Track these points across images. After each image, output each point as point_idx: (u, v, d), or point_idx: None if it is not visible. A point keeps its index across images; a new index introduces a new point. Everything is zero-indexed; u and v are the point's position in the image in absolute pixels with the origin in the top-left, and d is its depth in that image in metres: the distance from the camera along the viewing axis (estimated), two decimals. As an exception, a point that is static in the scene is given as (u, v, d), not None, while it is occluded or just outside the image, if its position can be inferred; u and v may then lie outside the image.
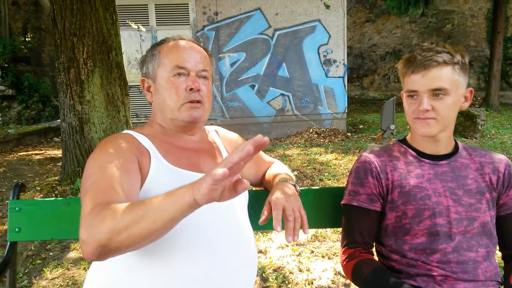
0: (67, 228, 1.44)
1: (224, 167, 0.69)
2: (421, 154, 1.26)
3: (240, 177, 0.77)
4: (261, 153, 1.45)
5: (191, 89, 1.13)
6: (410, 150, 1.28)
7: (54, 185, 4.55)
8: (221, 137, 1.34)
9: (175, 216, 0.80)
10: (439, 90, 1.15)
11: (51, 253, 3.03)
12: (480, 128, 6.84)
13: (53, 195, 4.23)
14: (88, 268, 2.74)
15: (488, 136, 7.04)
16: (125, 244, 0.82)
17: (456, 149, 1.28)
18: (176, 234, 1.01)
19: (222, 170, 0.69)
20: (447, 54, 1.15)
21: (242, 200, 1.21)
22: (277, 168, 1.38)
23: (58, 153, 6.74)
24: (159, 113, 1.19)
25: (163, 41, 1.21)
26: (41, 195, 4.27)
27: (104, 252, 0.83)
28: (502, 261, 1.29)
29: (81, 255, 2.97)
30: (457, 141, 1.30)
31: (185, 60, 1.14)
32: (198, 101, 1.14)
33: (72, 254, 2.99)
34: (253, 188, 1.42)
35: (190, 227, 1.03)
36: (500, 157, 1.27)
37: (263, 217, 1.07)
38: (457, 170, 1.23)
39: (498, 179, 1.23)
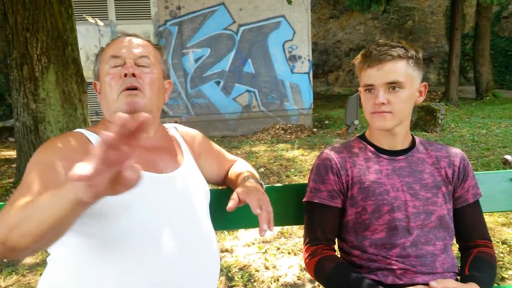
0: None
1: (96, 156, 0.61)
2: (379, 150, 1.27)
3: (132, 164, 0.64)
4: (223, 151, 1.42)
5: (125, 75, 1.06)
6: (368, 146, 1.29)
7: (8, 187, 4.33)
8: (180, 133, 1.29)
9: (61, 216, 0.73)
10: (394, 83, 1.16)
11: (5, 260, 2.87)
12: (440, 122, 7.07)
13: (7, 198, 4.02)
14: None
15: (448, 129, 7.30)
16: (22, 243, 0.77)
17: (413, 144, 1.30)
18: (126, 234, 0.97)
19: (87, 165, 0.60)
20: (402, 49, 1.17)
21: (202, 199, 1.17)
22: (240, 167, 1.36)
23: (13, 154, 6.42)
24: (105, 110, 1.13)
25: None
26: (-5, 199, 4.05)
27: (6, 250, 0.79)
28: (459, 252, 1.31)
29: (37, 260, 2.83)
30: (414, 136, 1.32)
31: (119, 49, 1.10)
32: (136, 88, 1.07)
33: (28, 260, 2.84)
34: (215, 187, 1.38)
35: (140, 226, 0.98)
36: (456, 151, 1.30)
37: (232, 203, 1.04)
38: (414, 165, 1.25)
39: (454, 173, 1.26)
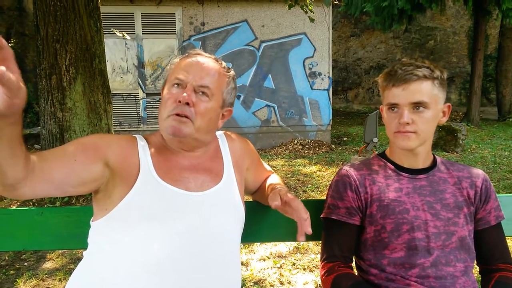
0: (40, 239, 1.40)
1: None
2: (399, 168, 1.27)
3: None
4: (262, 161, 1.42)
5: (179, 102, 1.08)
6: (389, 164, 1.29)
7: (32, 193, 4.42)
8: (229, 145, 1.28)
9: None
10: (420, 103, 1.16)
11: (25, 263, 2.94)
12: (461, 142, 6.96)
13: (31, 203, 4.13)
14: (64, 279, 2.66)
15: (469, 150, 7.17)
16: None
17: (434, 163, 1.28)
18: (142, 245, 1.01)
19: None
20: (427, 69, 1.17)
21: (231, 220, 1.16)
22: (275, 180, 1.37)
23: (37, 160, 6.58)
24: (159, 122, 1.16)
25: (183, 55, 1.20)
26: (18, 204, 4.16)
27: None
28: (480, 275, 1.29)
29: (57, 265, 2.89)
30: (435, 156, 1.31)
31: (185, 72, 1.11)
32: (186, 116, 1.08)
33: (48, 265, 2.90)
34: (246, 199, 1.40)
35: (155, 239, 1.02)
36: (478, 172, 1.29)
37: (276, 202, 1.06)
38: (435, 184, 1.24)
39: (476, 194, 1.24)
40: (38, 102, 4.63)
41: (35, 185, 0.91)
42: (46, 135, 4.25)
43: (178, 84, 1.11)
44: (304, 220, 1.04)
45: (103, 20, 4.54)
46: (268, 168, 1.44)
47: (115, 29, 5.48)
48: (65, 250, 3.08)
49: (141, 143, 1.13)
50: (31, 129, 9.03)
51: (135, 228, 1.01)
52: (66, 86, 4.11)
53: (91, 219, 1.11)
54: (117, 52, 7.71)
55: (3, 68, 0.64)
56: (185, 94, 1.07)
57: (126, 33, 5.51)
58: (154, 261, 0.99)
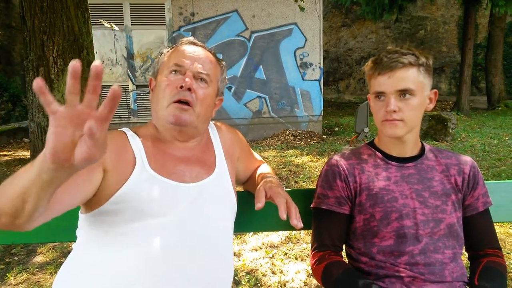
0: (29, 232, 1.38)
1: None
2: (388, 157, 1.27)
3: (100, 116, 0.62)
4: (252, 151, 1.42)
5: (181, 87, 1.07)
6: (377, 153, 1.29)
7: (21, 187, 4.38)
8: (220, 136, 1.28)
9: (25, 185, 0.72)
10: (406, 91, 1.16)
11: (15, 258, 2.92)
12: (451, 131, 7.02)
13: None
14: (55, 272, 2.65)
15: (459, 139, 7.24)
16: (6, 210, 0.76)
17: (422, 151, 1.29)
18: (137, 236, 1.00)
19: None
20: (412, 56, 1.17)
21: (225, 210, 1.16)
22: (265, 169, 1.36)
23: (27, 154, 6.52)
24: (153, 112, 1.15)
25: (174, 45, 1.19)
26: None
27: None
28: (469, 261, 1.31)
29: (47, 259, 2.87)
30: (424, 143, 1.32)
31: (184, 59, 1.11)
32: (188, 103, 1.08)
33: (38, 259, 2.88)
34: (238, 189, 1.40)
35: (152, 232, 1.00)
36: (466, 159, 1.29)
37: (259, 204, 1.04)
38: (423, 172, 1.24)
39: (463, 181, 1.25)
40: (26, 95, 4.57)
41: (46, 216, 0.87)
42: (35, 128, 4.21)
43: (176, 71, 1.10)
44: (284, 217, 1.02)
45: (91, 11, 4.47)
46: (259, 158, 1.44)
47: (103, 20, 5.40)
48: (55, 244, 3.06)
49: (132, 137, 1.10)
50: (20, 122, 8.93)
51: (129, 221, 1.00)
52: (54, 78, 4.05)
53: (80, 211, 1.09)
54: (105, 43, 7.61)
55: (94, 127, 0.59)
56: (187, 79, 1.07)
57: (115, 24, 5.45)
58: (150, 254, 0.99)
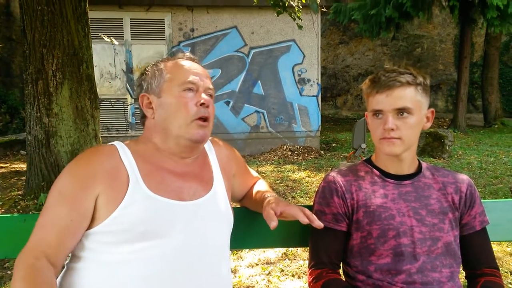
0: (22, 246, 1.37)
1: None
2: (385, 174, 1.27)
3: None
4: (248, 168, 1.41)
5: (201, 104, 1.10)
6: (375, 170, 1.29)
7: (17, 199, 4.36)
8: (216, 152, 1.27)
9: None
10: (403, 109, 1.17)
11: (9, 272, 2.87)
12: (447, 148, 7.04)
13: (15, 210, 4.05)
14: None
15: (456, 156, 7.26)
16: None
17: (419, 169, 1.29)
18: (136, 259, 0.99)
19: None
20: (410, 75, 1.18)
21: (224, 227, 1.17)
22: (263, 186, 1.36)
23: (23, 166, 6.49)
24: (160, 131, 1.13)
25: (165, 59, 1.19)
26: (2, 210, 4.08)
27: None
28: (466, 280, 1.30)
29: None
30: (421, 161, 1.32)
31: (194, 76, 1.12)
32: (206, 119, 1.11)
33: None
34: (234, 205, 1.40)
35: (151, 252, 1.00)
36: (463, 177, 1.30)
37: (274, 223, 1.06)
38: (420, 190, 1.24)
39: (461, 199, 1.25)
40: (24, 108, 4.57)
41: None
42: (32, 140, 4.20)
43: (190, 90, 1.12)
44: (308, 219, 1.07)
45: (91, 25, 4.52)
46: (255, 174, 1.44)
47: (103, 34, 5.45)
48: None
49: (124, 153, 1.08)
50: (17, 135, 8.90)
51: (123, 243, 0.99)
52: (53, 91, 4.06)
53: None
54: (105, 57, 7.67)
55: None
56: (205, 96, 1.12)
57: (115, 39, 5.49)
58: (147, 274, 0.98)
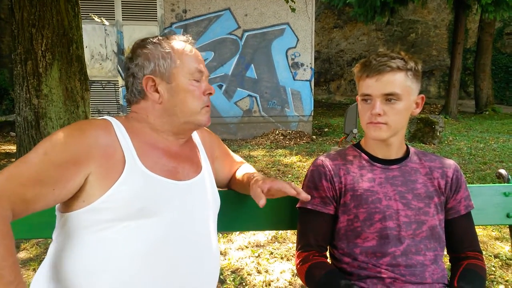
0: (12, 228, 1.36)
1: None
2: (373, 159, 1.28)
3: None
4: (232, 153, 1.44)
5: (209, 94, 1.16)
6: (363, 154, 1.30)
7: (6, 182, 4.33)
8: (200, 136, 1.31)
9: None
10: (392, 95, 1.17)
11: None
12: (438, 134, 7.10)
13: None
14: (38, 268, 2.62)
15: (446, 142, 7.33)
16: None
17: (407, 154, 1.31)
18: (137, 237, 1.00)
19: None
20: (401, 60, 1.18)
21: (213, 206, 1.20)
22: (249, 169, 1.40)
23: (13, 148, 6.44)
24: (164, 115, 1.12)
25: (164, 38, 1.14)
26: (-8, 192, 4.06)
27: None
28: (450, 263, 1.33)
29: (31, 255, 2.84)
30: (409, 146, 1.34)
31: (201, 65, 1.15)
32: (208, 106, 1.18)
33: (22, 255, 2.85)
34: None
35: (152, 230, 1.01)
36: (449, 162, 1.31)
37: (262, 201, 1.10)
38: (407, 174, 1.26)
39: (446, 184, 1.27)
40: (14, 89, 4.50)
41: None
42: (21, 122, 4.14)
43: (198, 79, 1.14)
44: (295, 192, 1.12)
45: (81, 5, 4.43)
46: (239, 159, 1.46)
47: (93, 14, 5.35)
48: (39, 240, 3.02)
49: (119, 130, 1.06)
50: (7, 116, 8.80)
51: (119, 220, 0.99)
52: (42, 72, 3.99)
53: (59, 209, 1.05)
54: (96, 38, 7.54)
55: None
56: (213, 89, 1.18)
57: (106, 19, 5.39)
58: (141, 251, 0.99)
